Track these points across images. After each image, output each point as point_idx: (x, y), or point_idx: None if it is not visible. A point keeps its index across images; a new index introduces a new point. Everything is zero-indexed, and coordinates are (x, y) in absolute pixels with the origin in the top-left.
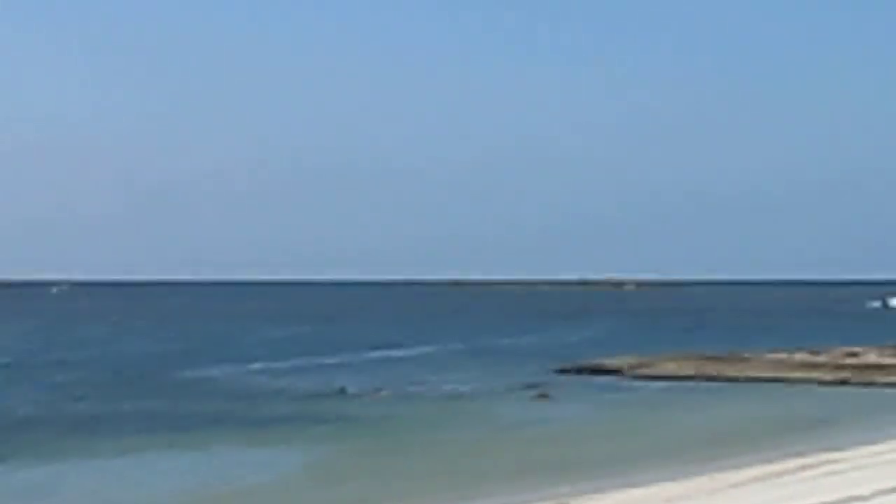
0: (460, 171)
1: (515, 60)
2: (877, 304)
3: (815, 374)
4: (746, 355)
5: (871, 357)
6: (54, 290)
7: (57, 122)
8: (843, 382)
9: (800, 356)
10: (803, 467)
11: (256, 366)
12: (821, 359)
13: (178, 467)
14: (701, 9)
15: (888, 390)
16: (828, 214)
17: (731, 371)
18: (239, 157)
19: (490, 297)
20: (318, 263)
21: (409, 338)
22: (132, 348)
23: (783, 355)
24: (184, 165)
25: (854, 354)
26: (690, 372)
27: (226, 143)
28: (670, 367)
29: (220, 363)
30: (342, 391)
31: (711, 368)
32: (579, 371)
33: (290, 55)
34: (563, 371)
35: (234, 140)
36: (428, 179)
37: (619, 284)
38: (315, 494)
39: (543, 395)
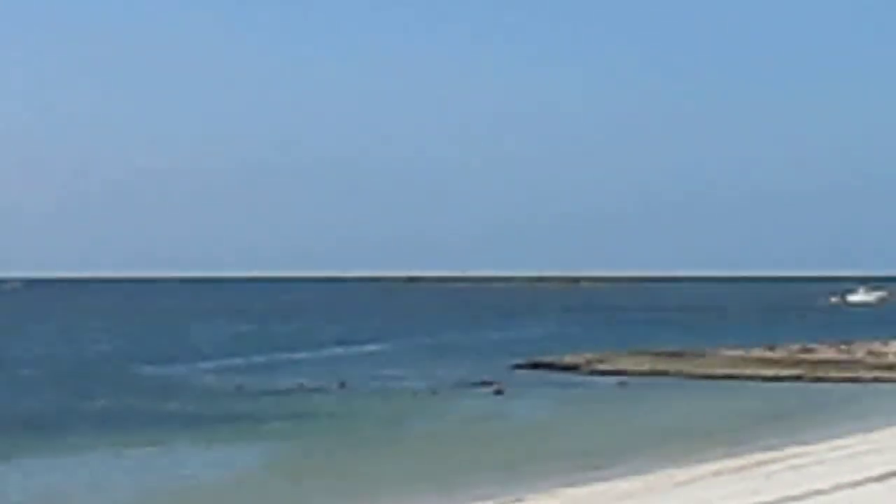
0: (418, 167)
1: (482, 55)
2: (836, 299)
3: (770, 371)
4: (703, 351)
5: (826, 353)
6: (7, 287)
7: (8, 118)
8: (798, 378)
9: (756, 352)
10: (763, 462)
11: (213, 363)
12: (777, 355)
13: (133, 466)
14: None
15: (842, 385)
16: (790, 211)
17: (687, 367)
18: (191, 154)
19: (446, 294)
20: (273, 260)
21: (365, 334)
22: (85, 346)
23: (740, 351)
24: (137, 162)
25: (809, 350)
26: (647, 368)
27: (178, 140)
28: (627, 363)
29: (175, 361)
30: (300, 387)
31: (668, 364)
32: (535, 367)
33: (240, 48)
34: (519, 367)
35: (187, 137)
36: (385, 175)
37: (575, 280)
38: (274, 491)
39: (499, 391)
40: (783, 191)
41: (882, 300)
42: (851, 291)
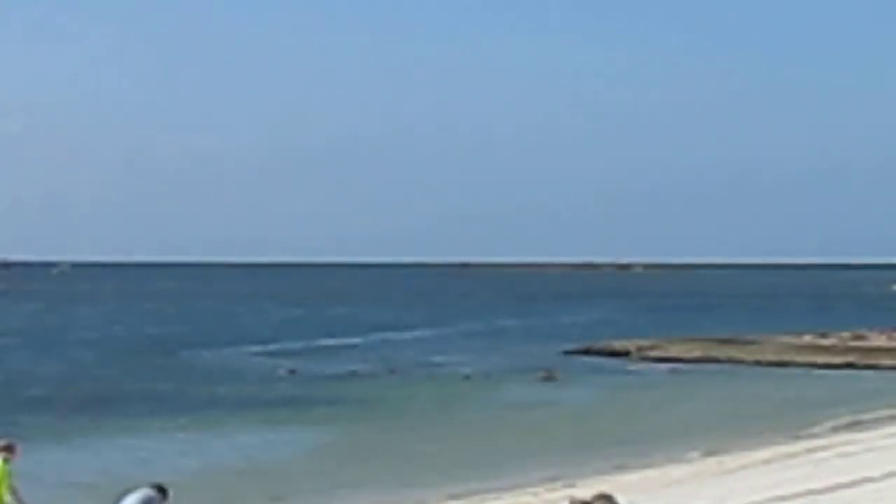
0: (469, 153)
1: (530, 43)
2: None
3: (821, 358)
4: (754, 338)
5: (879, 340)
6: (55, 270)
7: (58, 105)
8: (850, 366)
9: (807, 339)
10: (813, 449)
11: (265, 347)
12: (828, 342)
13: (187, 447)
14: None
15: (893, 373)
16: (853, 197)
17: (738, 354)
18: (237, 142)
19: (498, 280)
20: (324, 246)
21: (417, 320)
22: (138, 329)
23: (790, 338)
24: (183, 149)
25: (861, 337)
26: (698, 354)
27: (224, 129)
28: (678, 350)
29: (228, 344)
30: (351, 372)
31: (719, 351)
32: (587, 353)
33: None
34: (570, 353)
35: (233, 125)
36: (437, 162)
37: (626, 267)
38: (326, 473)
39: (551, 377)
40: (848, 176)
41: None
42: None
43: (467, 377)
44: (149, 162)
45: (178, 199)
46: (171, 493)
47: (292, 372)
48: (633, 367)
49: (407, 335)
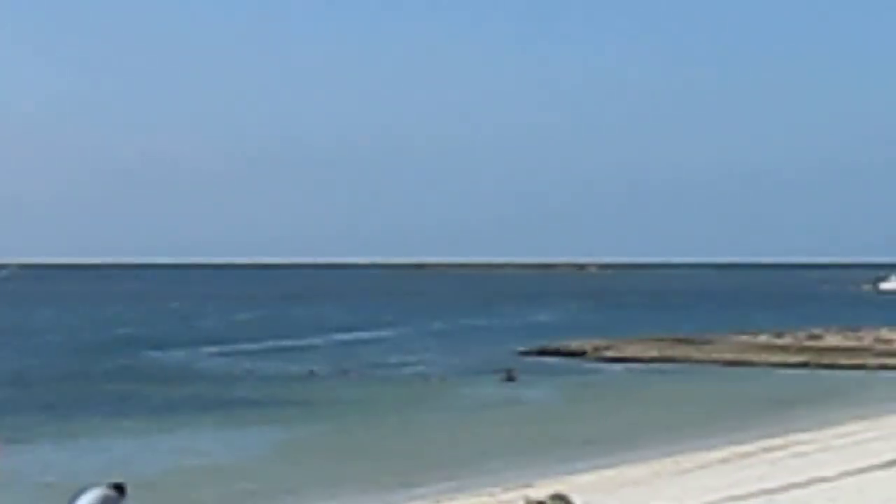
0: (423, 155)
1: (477, 45)
2: (868, 286)
3: (777, 357)
4: (710, 337)
5: (834, 340)
6: (2, 273)
7: (13, 106)
8: (805, 365)
9: (763, 339)
10: (769, 449)
11: (223, 348)
12: (784, 341)
13: (149, 447)
14: None
15: (848, 372)
16: (810, 198)
17: (694, 353)
18: (197, 142)
19: (454, 280)
20: (281, 246)
21: (373, 320)
22: (94, 332)
23: (747, 338)
24: (139, 150)
25: (817, 337)
26: (654, 354)
27: (183, 129)
28: (634, 350)
29: (185, 346)
30: (310, 373)
31: (675, 351)
32: (543, 353)
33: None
34: (526, 353)
35: (192, 126)
36: (394, 163)
37: (582, 267)
38: (286, 473)
39: (511, 378)
40: (800, 176)
41: None
42: (884, 279)
43: (426, 378)
44: (107, 163)
45: (137, 200)
46: (128, 491)
47: (250, 373)
48: (589, 367)
49: (365, 335)
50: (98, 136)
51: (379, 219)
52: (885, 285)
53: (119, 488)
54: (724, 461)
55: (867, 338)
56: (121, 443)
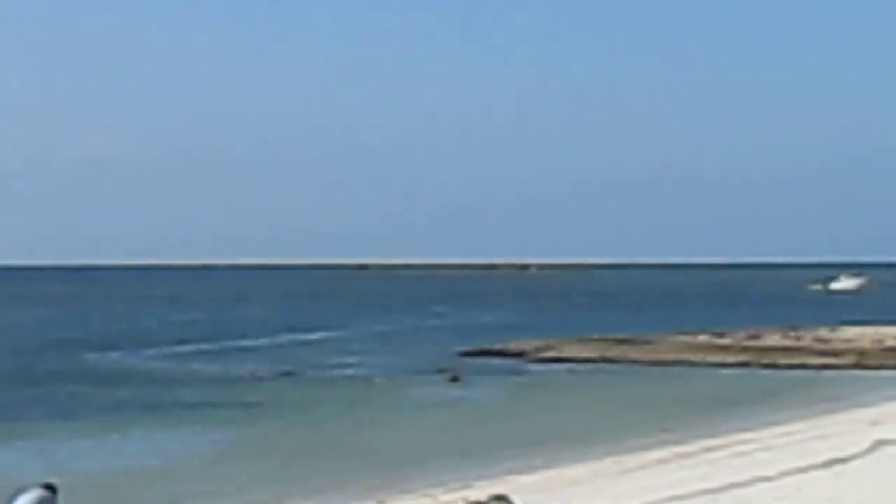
0: (365, 154)
1: (417, 43)
2: (818, 287)
3: (717, 357)
4: (650, 338)
5: (773, 339)
6: None
7: None
8: (746, 364)
9: (703, 339)
10: (709, 449)
11: (163, 350)
12: (724, 341)
13: (90, 449)
14: None
15: (789, 372)
16: (750, 198)
17: (634, 354)
18: (135, 144)
19: (396, 281)
20: (222, 247)
21: (316, 322)
22: (34, 333)
23: (687, 338)
24: (79, 151)
25: (756, 337)
26: (594, 355)
27: (121, 129)
28: (574, 350)
29: (125, 347)
30: (251, 375)
31: (616, 351)
32: (483, 354)
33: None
34: (466, 354)
35: (130, 128)
36: (336, 162)
37: (524, 267)
38: (228, 474)
39: (456, 378)
40: (741, 176)
41: (862, 287)
42: (833, 279)
43: (370, 379)
44: (48, 164)
45: (76, 202)
46: (59, 491)
47: (191, 375)
48: (529, 367)
49: (307, 336)
50: (39, 137)
51: (321, 219)
52: (834, 285)
53: (51, 488)
54: (664, 461)
55: (806, 337)
56: (62, 444)
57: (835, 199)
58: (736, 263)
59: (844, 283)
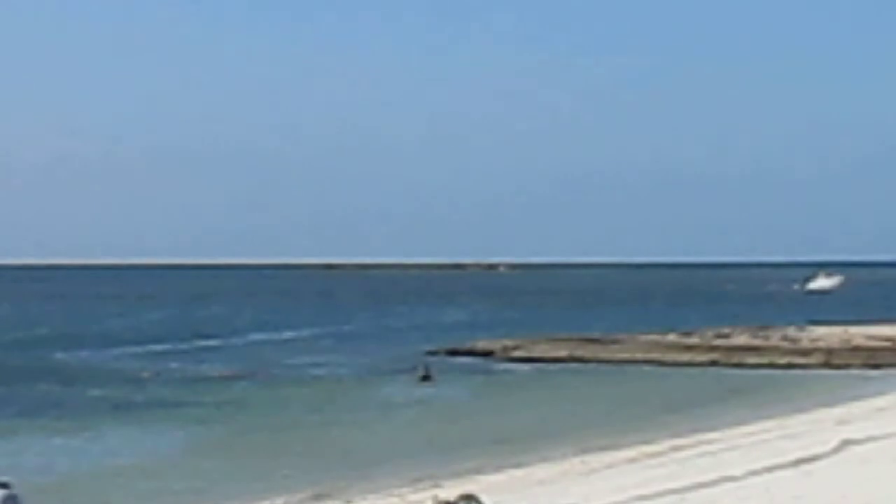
0: (333, 154)
1: (380, 43)
2: (798, 286)
3: (686, 356)
4: (619, 337)
5: (742, 339)
6: None
7: None
8: (714, 363)
9: (672, 338)
10: (676, 448)
11: (131, 349)
12: (692, 340)
13: (59, 448)
14: None
15: (756, 371)
16: (722, 199)
17: (603, 353)
18: (104, 144)
19: (364, 280)
20: (192, 247)
21: (283, 321)
22: (0, 332)
23: (655, 337)
24: (49, 150)
25: (725, 336)
26: (563, 354)
27: (86, 129)
28: (543, 350)
29: (95, 346)
30: (220, 374)
31: (584, 351)
32: (452, 353)
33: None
34: (435, 353)
35: (98, 125)
36: (303, 162)
37: (492, 267)
38: (196, 473)
39: (426, 377)
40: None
41: (838, 286)
42: (812, 278)
43: (339, 378)
44: (12, 165)
45: (42, 201)
46: (13, 487)
47: (159, 374)
48: (498, 367)
49: (275, 336)
50: (5, 136)
51: (288, 219)
52: (811, 285)
53: (4, 485)
54: (632, 461)
55: (774, 337)
56: (30, 443)
57: (820, 199)
58: (717, 263)
59: (821, 282)
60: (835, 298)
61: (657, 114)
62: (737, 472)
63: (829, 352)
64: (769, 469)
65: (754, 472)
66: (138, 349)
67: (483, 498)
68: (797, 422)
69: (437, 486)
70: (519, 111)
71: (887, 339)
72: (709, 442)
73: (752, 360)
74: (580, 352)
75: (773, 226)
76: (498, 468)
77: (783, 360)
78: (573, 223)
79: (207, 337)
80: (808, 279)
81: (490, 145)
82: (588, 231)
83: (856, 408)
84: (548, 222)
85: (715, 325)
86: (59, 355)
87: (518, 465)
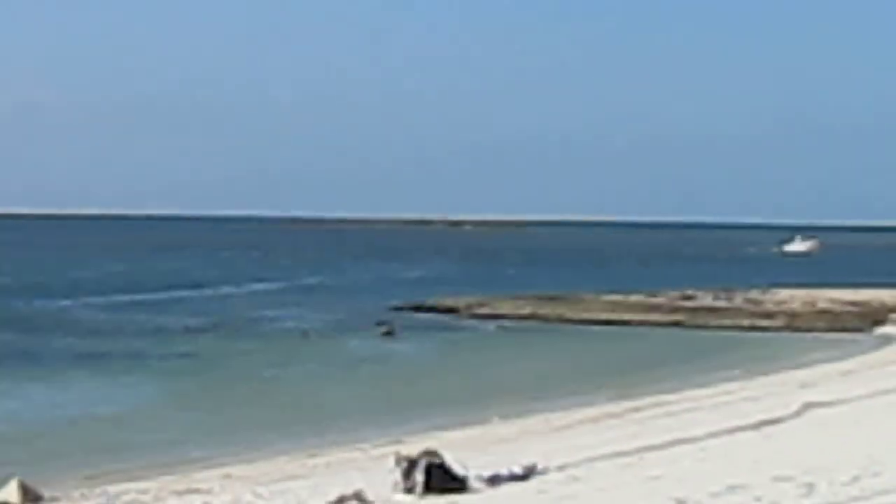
0: (298, 108)
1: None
2: (776, 249)
3: (650, 317)
4: (583, 296)
5: (706, 300)
6: None
7: None
8: (677, 324)
9: (636, 298)
10: (636, 409)
11: (96, 299)
12: (656, 301)
13: (27, 399)
14: None
15: (720, 333)
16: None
17: (568, 312)
18: (64, 94)
19: (327, 235)
20: (155, 197)
21: (248, 274)
22: None
23: (619, 297)
24: (14, 97)
25: (689, 297)
26: (527, 312)
27: (52, 76)
28: (507, 307)
29: (59, 296)
30: (185, 326)
31: (547, 309)
32: (416, 309)
33: None
34: (400, 309)
35: (62, 72)
36: (269, 115)
37: (457, 224)
38: (164, 425)
39: (390, 332)
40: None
41: (813, 249)
42: (788, 241)
43: (304, 332)
44: None
45: (7, 150)
46: None
47: (127, 325)
48: (462, 323)
49: (241, 289)
50: None
51: (254, 172)
52: (788, 247)
53: None
54: (594, 420)
55: (737, 299)
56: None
57: (802, 162)
58: (697, 223)
59: (797, 245)
60: (808, 261)
61: (634, 74)
62: (698, 432)
63: (793, 315)
64: (730, 431)
65: (714, 434)
66: (104, 300)
67: (444, 454)
68: (760, 384)
69: (398, 441)
70: (484, 70)
71: (851, 303)
72: (670, 403)
73: (715, 321)
74: (544, 310)
75: (760, 188)
76: (459, 424)
77: (746, 322)
78: (540, 181)
79: (172, 288)
80: (783, 242)
81: (456, 103)
82: (557, 189)
83: (819, 371)
84: (514, 180)
85: (680, 287)
86: (24, 305)
87: (479, 423)
